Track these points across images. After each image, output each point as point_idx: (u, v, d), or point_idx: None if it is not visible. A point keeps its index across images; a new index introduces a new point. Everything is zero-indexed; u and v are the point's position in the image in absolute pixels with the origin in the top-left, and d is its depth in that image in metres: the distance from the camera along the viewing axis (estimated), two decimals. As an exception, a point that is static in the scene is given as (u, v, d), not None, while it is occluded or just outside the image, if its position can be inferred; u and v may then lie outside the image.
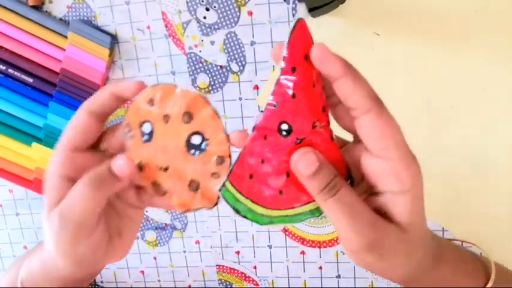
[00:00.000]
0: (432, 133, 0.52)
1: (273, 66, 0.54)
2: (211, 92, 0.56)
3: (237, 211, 0.28)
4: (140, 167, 0.29)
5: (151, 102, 0.28)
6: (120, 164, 0.28)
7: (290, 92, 0.26)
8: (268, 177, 0.28)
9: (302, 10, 0.51)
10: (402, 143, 0.25)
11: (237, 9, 0.53)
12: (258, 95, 0.55)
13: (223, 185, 0.28)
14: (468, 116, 0.51)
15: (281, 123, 0.27)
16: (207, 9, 0.53)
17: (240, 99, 0.56)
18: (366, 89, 0.25)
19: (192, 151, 0.29)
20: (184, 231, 0.62)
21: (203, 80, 0.56)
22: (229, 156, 0.29)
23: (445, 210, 0.53)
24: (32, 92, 0.56)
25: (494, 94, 0.50)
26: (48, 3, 0.56)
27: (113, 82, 0.29)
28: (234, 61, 0.55)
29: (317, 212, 0.28)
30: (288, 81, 0.26)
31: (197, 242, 0.62)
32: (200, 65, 0.55)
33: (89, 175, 0.28)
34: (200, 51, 0.55)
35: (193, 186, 0.29)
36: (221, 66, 0.55)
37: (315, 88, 0.26)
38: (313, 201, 0.28)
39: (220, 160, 0.28)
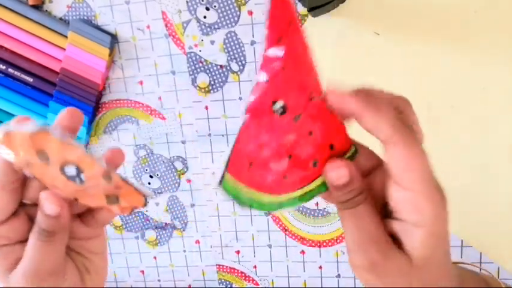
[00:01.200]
0: (432, 133, 0.52)
1: (273, 66, 0.54)
2: (211, 91, 0.56)
3: (241, 203, 0.26)
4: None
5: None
6: (48, 207, 0.27)
7: (279, 64, 0.23)
8: (269, 162, 0.25)
9: None
10: (428, 176, 0.24)
11: (237, 8, 0.53)
12: (258, 94, 0.55)
13: (222, 178, 0.25)
14: (468, 116, 0.51)
15: (274, 101, 0.24)
16: (207, 9, 0.53)
17: (240, 98, 0.56)
18: (389, 120, 0.24)
19: (76, 180, 0.26)
20: (184, 230, 0.62)
21: (203, 79, 0.56)
22: (109, 172, 0.26)
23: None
24: (32, 91, 0.56)
25: (494, 94, 0.50)
26: (48, 2, 0.56)
27: None
28: (234, 61, 0.55)
29: (323, 186, 0.27)
30: (275, 53, 0.23)
31: (197, 242, 0.62)
32: (200, 64, 0.55)
33: (37, 231, 0.27)
34: (200, 51, 0.55)
35: (112, 199, 0.27)
36: (221, 66, 0.55)
37: (306, 56, 0.24)
38: (319, 177, 0.26)
39: (108, 178, 0.26)
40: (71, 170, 0.26)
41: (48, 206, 0.27)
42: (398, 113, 0.27)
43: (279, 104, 0.24)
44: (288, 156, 0.25)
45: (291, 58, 0.23)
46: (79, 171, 0.26)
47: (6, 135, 0.25)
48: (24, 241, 0.29)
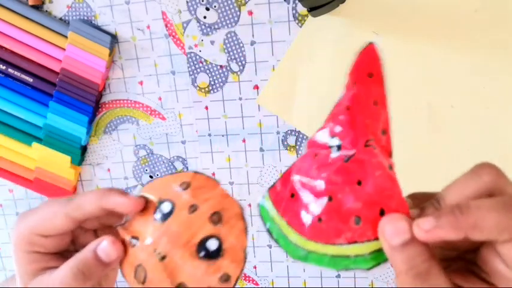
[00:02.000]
0: (432, 133, 0.52)
1: (273, 66, 0.54)
2: (211, 91, 0.56)
3: (270, 232, 0.25)
4: (134, 242, 0.26)
5: (184, 185, 0.26)
6: (105, 249, 0.26)
7: (345, 104, 0.24)
8: (309, 200, 0.24)
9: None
10: None
11: (237, 8, 0.53)
12: (258, 94, 0.55)
13: (263, 197, 0.25)
14: (468, 116, 0.51)
15: (332, 137, 0.24)
16: (207, 9, 0.53)
17: (240, 99, 0.56)
18: (501, 220, 0.21)
19: (202, 254, 0.25)
20: (184, 231, 0.62)
21: (203, 79, 0.56)
22: (237, 279, 0.25)
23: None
24: (32, 91, 0.56)
25: (494, 94, 0.50)
26: (48, 3, 0.56)
27: (103, 191, 0.27)
28: (234, 61, 0.55)
29: (365, 261, 0.23)
30: (347, 95, 0.24)
31: (197, 242, 0.62)
32: (200, 64, 0.55)
33: (75, 264, 0.26)
34: (200, 51, 0.55)
35: None
36: (221, 66, 0.55)
37: (376, 107, 0.24)
38: (362, 242, 0.23)
39: (226, 277, 0.25)
40: (213, 244, 0.25)
41: (105, 247, 0.26)
42: (491, 192, 0.23)
43: (335, 141, 0.24)
44: (328, 197, 0.23)
45: (358, 102, 0.24)
46: (219, 250, 0.25)
47: (210, 182, 0.25)
48: (56, 253, 0.29)
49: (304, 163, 0.24)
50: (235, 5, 0.52)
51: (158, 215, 0.25)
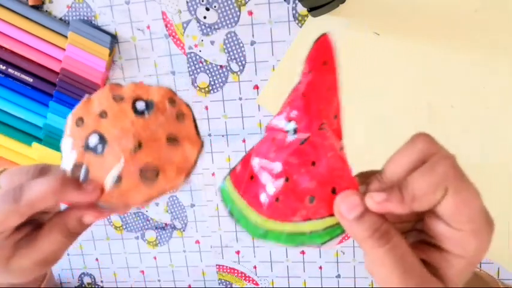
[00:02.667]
0: (432, 133, 0.52)
1: (273, 66, 0.54)
2: (211, 91, 0.56)
3: (231, 213, 0.26)
4: (117, 180, 0.27)
5: (79, 122, 0.29)
6: (89, 219, 0.28)
7: (301, 90, 0.25)
8: (268, 181, 0.25)
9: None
10: (478, 215, 0.24)
11: (237, 9, 0.53)
12: (258, 94, 0.55)
13: (224, 181, 0.26)
14: (468, 116, 0.51)
15: (288, 121, 0.26)
16: (207, 9, 0.53)
17: (240, 99, 0.56)
18: (430, 183, 0.23)
19: (146, 114, 0.28)
20: (184, 231, 0.62)
21: (203, 79, 0.56)
22: (175, 94, 0.29)
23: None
24: (32, 92, 0.56)
25: (494, 94, 0.50)
26: (48, 3, 0.56)
27: (57, 186, 0.27)
28: (234, 61, 0.55)
29: (320, 236, 0.25)
30: (303, 82, 0.26)
31: (197, 242, 0.62)
32: (200, 64, 0.55)
33: (65, 231, 0.28)
34: (200, 51, 0.55)
35: (172, 140, 0.28)
36: (221, 66, 0.55)
37: (329, 92, 0.26)
38: (316, 218, 0.25)
39: (172, 101, 0.29)
40: (141, 105, 0.28)
41: (89, 217, 0.28)
42: (424, 161, 0.25)
43: (291, 125, 0.25)
44: (285, 177, 0.25)
45: (313, 89, 0.25)
46: (148, 105, 0.28)
47: (87, 99, 0.28)
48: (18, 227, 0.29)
49: (263, 146, 0.26)
50: (235, 5, 0.52)
51: (99, 149, 0.28)
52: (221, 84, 0.56)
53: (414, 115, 0.52)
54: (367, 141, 0.52)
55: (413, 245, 0.26)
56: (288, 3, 0.51)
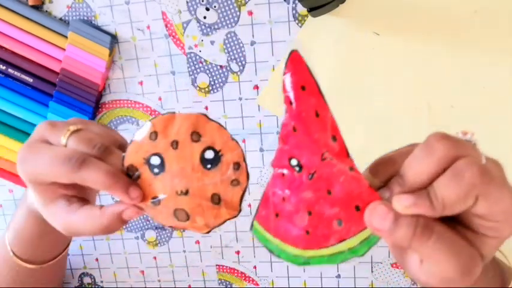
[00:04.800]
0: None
1: (273, 66, 0.54)
2: (211, 91, 0.56)
3: (271, 251, 0.28)
4: (156, 203, 0.30)
5: (153, 135, 0.29)
6: (128, 214, 0.30)
7: (290, 125, 0.25)
8: (292, 216, 0.26)
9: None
10: (509, 208, 0.25)
11: (237, 9, 0.53)
12: (258, 95, 0.55)
13: (252, 224, 0.28)
14: (468, 116, 0.51)
15: (290, 159, 0.26)
16: (207, 9, 0.53)
17: (240, 99, 0.56)
18: (466, 190, 0.24)
19: (209, 166, 0.29)
20: (184, 231, 0.62)
21: (203, 79, 0.56)
22: (244, 160, 0.29)
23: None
24: (32, 92, 0.56)
25: (494, 94, 0.50)
26: (48, 3, 0.56)
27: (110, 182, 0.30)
28: (234, 61, 0.55)
29: (358, 250, 0.26)
30: (289, 115, 0.25)
31: (197, 242, 0.62)
32: (200, 64, 0.55)
33: (116, 210, 0.30)
34: (200, 51, 0.55)
35: (215, 199, 0.29)
36: (221, 66, 0.55)
37: (318, 118, 0.25)
38: (349, 237, 0.26)
39: (237, 166, 0.29)
40: (209, 155, 0.29)
41: (129, 213, 0.30)
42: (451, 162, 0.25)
43: (294, 162, 0.26)
44: (308, 212, 0.26)
45: (302, 120, 0.25)
46: (215, 159, 0.29)
47: (171, 116, 0.29)
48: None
49: (276, 183, 0.27)
50: (235, 5, 0.52)
51: (155, 170, 0.29)
52: (221, 84, 0.56)
53: (414, 115, 0.52)
54: (367, 141, 0.52)
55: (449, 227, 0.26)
56: (288, 3, 0.51)
